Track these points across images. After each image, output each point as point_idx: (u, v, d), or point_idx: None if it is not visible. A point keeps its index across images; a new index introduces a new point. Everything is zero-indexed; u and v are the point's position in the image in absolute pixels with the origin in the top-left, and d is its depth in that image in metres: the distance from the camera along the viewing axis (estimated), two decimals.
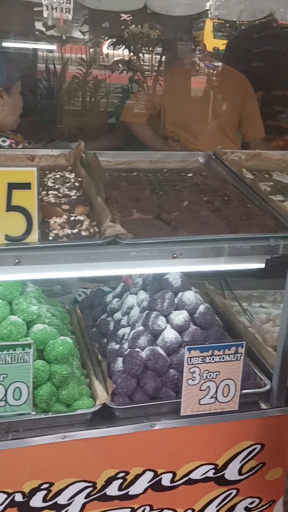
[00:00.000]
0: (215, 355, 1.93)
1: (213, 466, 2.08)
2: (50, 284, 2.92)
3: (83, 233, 1.74)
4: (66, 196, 2.03)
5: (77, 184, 2.17)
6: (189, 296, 2.13)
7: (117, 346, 2.16)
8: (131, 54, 6.38)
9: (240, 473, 2.13)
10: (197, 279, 2.99)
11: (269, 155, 2.75)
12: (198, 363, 1.92)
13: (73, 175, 2.24)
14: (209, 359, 1.93)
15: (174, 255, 1.75)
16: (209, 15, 3.19)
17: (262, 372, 2.18)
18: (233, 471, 2.11)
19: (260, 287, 3.00)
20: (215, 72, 3.82)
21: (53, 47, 5.93)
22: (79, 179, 2.21)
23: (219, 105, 3.73)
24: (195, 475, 2.08)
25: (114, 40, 6.32)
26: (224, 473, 2.11)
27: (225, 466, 2.10)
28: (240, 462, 2.11)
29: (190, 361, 1.91)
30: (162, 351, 2.04)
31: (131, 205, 2.01)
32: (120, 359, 2.06)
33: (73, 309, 2.62)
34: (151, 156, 2.67)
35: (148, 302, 2.15)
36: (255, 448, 2.10)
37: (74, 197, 2.01)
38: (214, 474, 2.10)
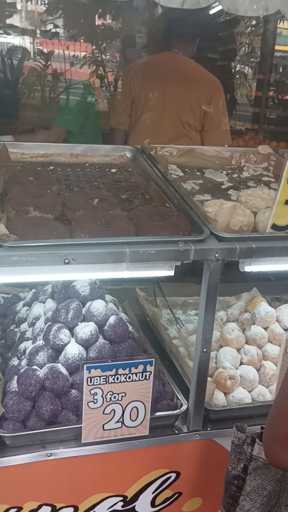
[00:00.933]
0: (120, 374, 1.69)
1: (121, 498, 1.85)
2: None
3: None
4: None
5: None
6: (98, 306, 1.89)
7: (16, 362, 1.91)
8: (93, 47, 6.16)
9: (153, 505, 1.90)
10: (134, 284, 2.78)
11: (203, 151, 2.53)
12: (100, 384, 1.68)
13: None
14: (113, 379, 1.69)
15: (66, 260, 1.50)
16: None
17: (182, 391, 1.95)
18: (145, 503, 1.88)
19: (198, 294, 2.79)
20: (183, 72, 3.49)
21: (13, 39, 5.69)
22: None
23: (179, 107, 3.43)
24: (101, 509, 1.84)
25: (76, 31, 6.09)
26: (134, 506, 1.87)
27: (135, 497, 1.86)
28: (152, 493, 1.88)
29: (91, 381, 1.66)
30: (63, 369, 1.79)
31: (29, 202, 1.76)
32: (16, 378, 1.80)
33: None
34: (72, 149, 2.42)
35: (53, 312, 1.90)
36: (169, 477, 1.88)
37: None
38: (122, 507, 1.86)
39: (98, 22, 6.18)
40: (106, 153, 2.46)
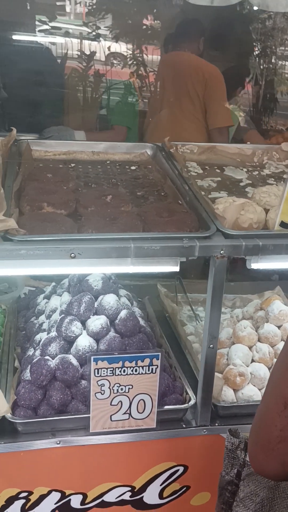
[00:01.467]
0: (127, 367, 1.73)
1: (129, 488, 1.89)
2: None
3: None
4: None
5: None
6: (110, 300, 1.93)
7: (32, 352, 1.98)
8: (134, 47, 6.21)
9: (161, 497, 1.93)
10: (157, 279, 2.82)
11: (224, 148, 2.53)
12: (107, 375, 1.72)
13: None
14: (120, 371, 1.73)
15: (72, 255, 1.55)
16: None
17: (192, 386, 1.97)
18: (153, 494, 1.91)
19: None
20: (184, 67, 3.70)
21: (58, 39, 5.82)
22: None
23: (181, 100, 3.65)
24: (109, 498, 1.88)
25: (118, 32, 6.16)
26: (142, 496, 1.91)
27: (143, 488, 1.90)
28: (160, 485, 1.91)
29: (98, 373, 1.71)
30: (74, 360, 1.85)
31: (43, 198, 1.83)
32: (29, 367, 1.88)
33: (11, 309, 2.45)
34: (94, 147, 2.48)
35: (66, 305, 1.96)
36: (177, 470, 1.90)
37: None
38: (131, 497, 1.90)
39: (142, 22, 6.23)
40: (127, 150, 2.50)
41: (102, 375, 1.72)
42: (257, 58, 6.05)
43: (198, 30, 3.79)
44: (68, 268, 1.58)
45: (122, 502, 1.90)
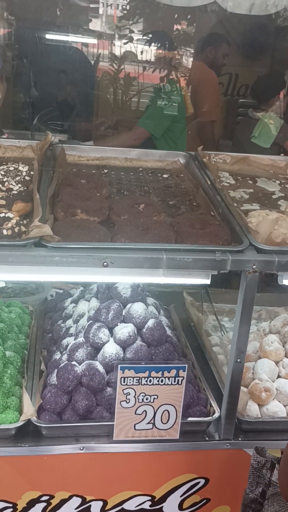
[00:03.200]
0: (153, 377, 1.73)
1: (149, 498, 1.89)
2: (25, 282, 2.78)
3: (4, 231, 1.57)
4: (9, 190, 1.88)
5: (28, 178, 2.01)
6: (138, 308, 1.93)
7: (58, 356, 1.99)
8: (167, 51, 6.22)
9: (180, 508, 1.92)
10: (183, 287, 2.81)
11: (257, 159, 2.52)
12: (133, 384, 1.73)
13: (26, 168, 2.09)
14: (146, 381, 1.73)
15: (105, 263, 1.56)
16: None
17: (216, 398, 1.96)
18: (172, 505, 1.91)
19: None
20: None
21: (91, 41, 5.86)
22: (31, 173, 2.05)
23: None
24: (129, 506, 1.89)
25: (150, 36, 6.17)
26: (162, 507, 1.91)
27: (163, 499, 1.90)
28: (181, 496, 1.90)
29: (124, 381, 1.72)
30: (100, 367, 1.85)
31: (77, 205, 1.84)
32: (56, 371, 1.89)
33: (38, 311, 2.47)
34: (127, 153, 2.49)
35: (95, 311, 1.97)
36: (198, 482, 1.90)
37: (15, 192, 1.85)
38: (150, 506, 1.90)
39: (174, 27, 6.25)
40: (160, 158, 2.50)
41: (128, 384, 1.72)
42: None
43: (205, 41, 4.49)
44: (99, 277, 1.59)
45: (142, 511, 1.90)
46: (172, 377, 1.74)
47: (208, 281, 1.64)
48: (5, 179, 1.97)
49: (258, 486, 1.45)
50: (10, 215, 1.67)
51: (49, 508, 1.84)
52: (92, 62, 5.65)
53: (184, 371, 1.74)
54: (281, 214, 1.89)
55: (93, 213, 1.83)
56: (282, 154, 2.84)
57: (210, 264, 1.61)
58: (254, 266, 1.63)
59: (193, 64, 4.61)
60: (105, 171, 2.36)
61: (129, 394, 1.74)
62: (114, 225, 1.82)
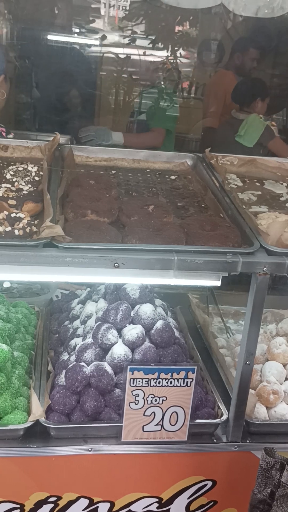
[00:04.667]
0: (162, 379, 1.73)
1: (156, 500, 1.88)
2: (30, 283, 2.78)
3: (16, 232, 1.57)
4: (19, 190, 1.88)
5: (37, 178, 2.01)
6: (146, 309, 1.93)
7: (66, 357, 1.99)
8: (169, 53, 6.23)
9: (188, 510, 1.92)
10: (189, 289, 2.81)
11: (264, 162, 2.52)
12: (142, 386, 1.72)
13: (36, 168, 2.09)
14: (155, 382, 1.73)
15: (116, 264, 1.56)
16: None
17: (224, 400, 1.96)
18: (179, 507, 1.91)
19: None
20: None
21: (95, 42, 5.87)
22: (41, 173, 2.05)
23: None
24: (136, 507, 1.88)
25: (153, 38, 6.18)
26: (169, 508, 1.91)
27: (170, 500, 1.89)
28: (188, 498, 1.90)
29: (133, 383, 1.72)
30: (108, 368, 1.85)
31: (87, 206, 1.84)
32: (64, 372, 1.89)
33: (44, 312, 2.47)
34: (135, 154, 2.49)
35: (103, 312, 1.97)
36: (205, 485, 1.89)
37: (25, 192, 1.85)
38: (158, 508, 1.90)
39: (177, 28, 6.26)
40: (167, 159, 2.50)
41: (137, 385, 1.72)
42: None
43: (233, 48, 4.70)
44: (111, 278, 1.59)
45: None
46: (181, 378, 1.74)
47: (218, 283, 1.64)
48: (14, 179, 1.97)
49: (266, 487, 1.44)
50: (21, 215, 1.67)
51: (57, 509, 1.83)
52: (94, 63, 5.66)
53: (193, 372, 1.74)
54: None
55: (103, 214, 1.83)
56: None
57: (221, 266, 1.61)
58: (264, 268, 1.63)
59: (219, 72, 4.88)
60: (113, 172, 2.36)
61: (138, 396, 1.73)
62: (124, 226, 1.82)
